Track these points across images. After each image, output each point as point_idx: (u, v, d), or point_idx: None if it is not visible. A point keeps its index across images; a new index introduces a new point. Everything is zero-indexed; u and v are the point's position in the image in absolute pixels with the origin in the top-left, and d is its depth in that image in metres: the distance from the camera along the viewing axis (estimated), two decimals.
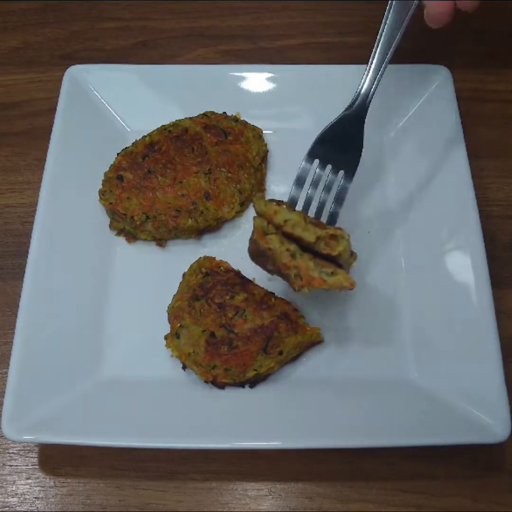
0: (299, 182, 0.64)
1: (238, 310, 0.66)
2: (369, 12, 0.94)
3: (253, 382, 0.65)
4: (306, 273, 0.56)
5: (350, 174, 0.64)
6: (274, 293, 0.68)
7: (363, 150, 0.64)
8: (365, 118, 0.64)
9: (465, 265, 0.67)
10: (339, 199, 0.64)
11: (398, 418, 0.61)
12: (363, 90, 0.65)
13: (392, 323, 0.69)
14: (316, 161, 0.64)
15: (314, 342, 0.67)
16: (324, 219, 0.64)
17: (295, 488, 0.63)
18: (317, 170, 0.65)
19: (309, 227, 0.57)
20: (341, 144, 0.64)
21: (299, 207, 0.64)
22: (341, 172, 0.64)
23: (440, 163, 0.74)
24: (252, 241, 0.60)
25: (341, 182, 0.64)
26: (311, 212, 0.65)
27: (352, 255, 0.60)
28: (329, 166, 0.64)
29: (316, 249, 0.57)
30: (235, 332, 0.65)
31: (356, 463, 0.63)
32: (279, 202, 0.59)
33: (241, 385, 0.65)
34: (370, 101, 0.64)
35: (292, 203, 0.64)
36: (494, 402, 0.59)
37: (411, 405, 0.62)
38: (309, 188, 0.64)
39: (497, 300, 0.65)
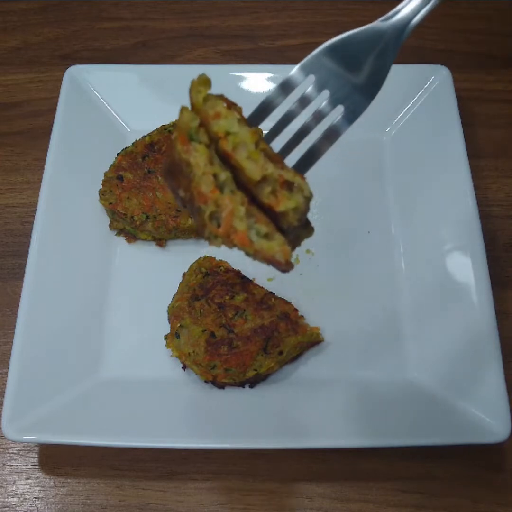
0: (278, 91, 0.45)
1: (238, 310, 0.66)
2: (368, 12, 0.94)
3: (253, 382, 0.65)
4: (228, 220, 0.39)
5: (351, 115, 0.45)
6: (274, 293, 0.68)
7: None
8: (401, 42, 0.44)
9: (465, 265, 0.66)
10: (323, 143, 0.45)
11: (398, 418, 0.61)
12: (407, 9, 0.44)
13: (392, 323, 0.69)
14: (311, 78, 0.45)
15: (314, 342, 0.67)
16: (289, 160, 0.44)
17: (295, 488, 0.62)
18: (309, 89, 0.45)
19: (258, 157, 0.40)
20: (355, 67, 0.45)
21: (262, 127, 0.44)
22: (340, 108, 0.45)
23: (440, 163, 0.74)
24: (170, 144, 0.45)
25: (335, 120, 0.45)
26: (276, 145, 0.45)
27: (308, 226, 0.43)
28: (326, 92, 0.45)
29: (256, 193, 0.41)
30: (235, 332, 0.65)
31: (356, 463, 0.63)
32: (232, 104, 0.41)
33: (241, 385, 0.65)
34: (414, 27, 0.44)
35: (254, 116, 0.45)
36: (494, 402, 0.59)
37: (411, 405, 0.62)
38: (290, 108, 0.45)
39: (497, 300, 0.65)
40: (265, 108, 0.45)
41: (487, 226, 0.72)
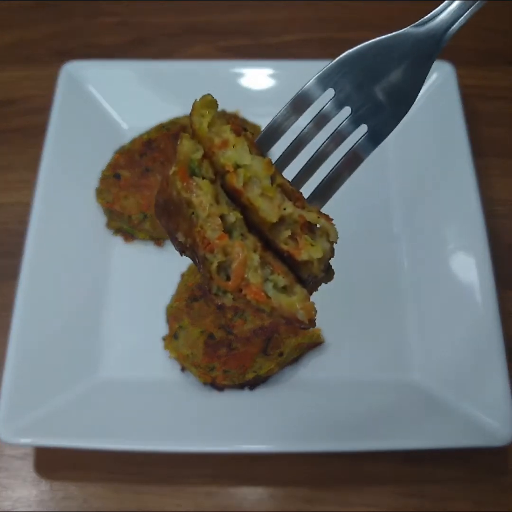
0: (291, 109, 0.38)
1: (237, 311, 0.65)
2: (369, 7, 0.93)
3: (253, 384, 0.64)
4: (239, 272, 0.33)
5: (376, 136, 0.39)
6: None
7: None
8: (440, 50, 0.39)
9: (469, 265, 0.66)
10: (347, 167, 0.39)
11: (400, 421, 0.60)
12: (446, 13, 0.37)
13: (395, 324, 0.68)
14: (330, 92, 0.38)
15: (315, 343, 0.66)
16: (306, 191, 0.39)
17: (295, 491, 0.62)
18: (328, 106, 0.39)
19: (275, 194, 0.34)
20: (382, 79, 0.38)
21: (272, 154, 0.38)
22: (364, 127, 0.39)
23: (443, 161, 0.73)
24: (165, 178, 0.35)
25: (358, 143, 0.39)
26: (288, 173, 0.38)
27: (329, 272, 0.37)
28: (347, 109, 0.39)
29: (271, 237, 0.34)
30: (234, 333, 0.64)
31: (357, 466, 0.62)
32: (240, 129, 0.35)
33: (241, 387, 0.64)
34: (455, 32, 0.38)
35: (264, 139, 0.38)
36: (497, 405, 0.58)
37: (413, 407, 0.61)
38: (304, 128, 0.39)
39: (501, 300, 0.64)
40: (276, 128, 0.38)
41: (491, 226, 0.70)
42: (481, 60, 0.88)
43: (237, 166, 0.34)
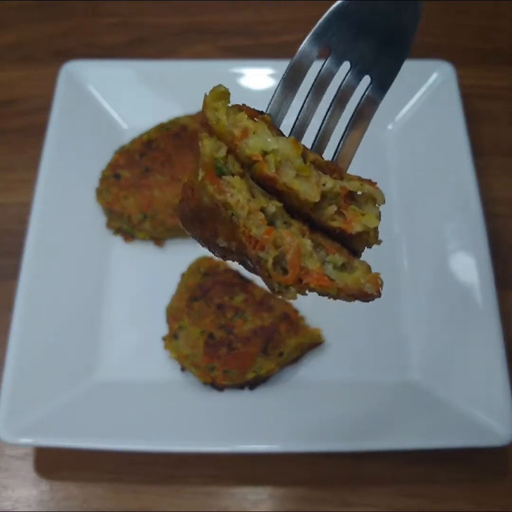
0: (293, 77, 0.36)
1: (237, 311, 0.65)
2: None
3: (253, 384, 0.64)
4: (295, 262, 0.31)
5: (383, 82, 0.38)
6: None
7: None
8: None
9: (469, 265, 0.65)
10: (361, 121, 0.37)
11: (401, 421, 0.60)
12: None
13: (395, 324, 0.68)
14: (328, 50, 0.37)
15: (315, 343, 0.66)
16: (327, 155, 0.37)
17: (295, 492, 0.62)
18: (327, 64, 0.37)
19: (310, 172, 0.32)
20: (376, 26, 0.36)
21: (285, 126, 0.36)
22: (367, 79, 0.38)
23: (443, 160, 0.73)
24: (190, 184, 0.33)
25: (367, 92, 0.38)
26: (306, 143, 0.36)
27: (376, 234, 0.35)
28: (347, 63, 0.37)
29: (316, 217, 0.33)
30: (235, 333, 0.64)
31: (358, 466, 0.62)
32: (255, 112, 0.33)
33: (241, 387, 0.64)
34: None
35: (274, 114, 0.36)
36: (498, 405, 0.58)
37: (413, 408, 0.61)
38: (309, 95, 0.37)
39: (501, 300, 0.64)
40: (282, 101, 0.36)
41: (491, 226, 0.70)
42: (481, 60, 0.87)
43: (265, 153, 0.32)
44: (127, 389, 0.64)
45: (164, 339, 0.66)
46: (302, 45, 0.37)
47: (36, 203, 0.69)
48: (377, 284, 0.33)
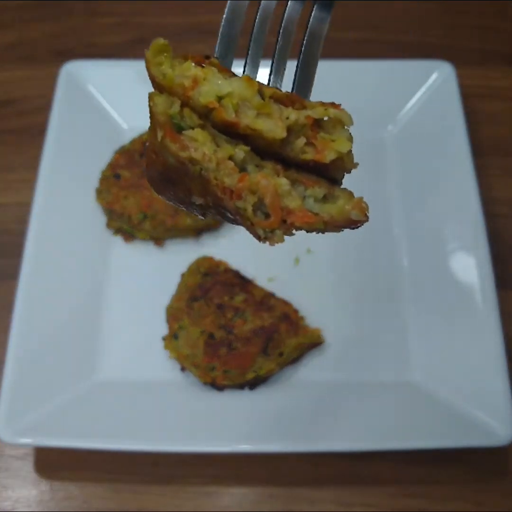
0: (233, 16, 0.36)
1: (237, 311, 0.65)
2: (369, 7, 0.92)
3: (253, 384, 0.64)
4: (275, 203, 0.30)
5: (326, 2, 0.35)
6: (274, 294, 0.67)
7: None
8: None
9: (469, 265, 0.65)
10: (314, 42, 0.36)
11: (401, 421, 0.60)
12: None
13: (395, 324, 0.68)
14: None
15: (315, 343, 0.66)
16: (285, 86, 0.35)
17: (295, 492, 0.62)
18: None
19: (271, 108, 0.31)
20: None
21: (233, 65, 0.35)
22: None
23: (443, 160, 0.73)
24: (151, 147, 0.32)
25: (313, 13, 0.36)
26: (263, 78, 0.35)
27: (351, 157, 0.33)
28: None
29: (287, 154, 0.31)
30: (235, 333, 0.64)
31: (358, 466, 0.62)
32: (202, 58, 0.32)
33: (241, 387, 0.64)
34: None
35: (222, 56, 0.35)
36: (498, 405, 0.58)
37: (413, 408, 0.61)
38: (254, 27, 0.35)
39: (501, 300, 0.64)
40: (227, 41, 0.36)
41: (491, 226, 0.70)
42: (481, 60, 0.87)
43: (220, 98, 0.30)
44: (127, 389, 0.64)
45: (164, 339, 0.66)
46: None
47: (36, 203, 0.69)
48: (363, 208, 0.31)
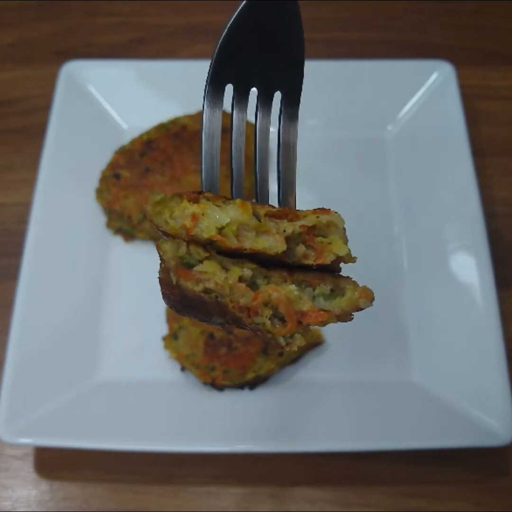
0: (211, 144, 0.38)
1: None
2: (370, 7, 0.93)
3: (253, 384, 0.64)
4: (289, 310, 0.33)
5: (293, 93, 0.37)
6: None
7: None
8: None
9: (469, 265, 0.65)
10: (288, 147, 0.38)
11: (401, 421, 0.60)
12: None
13: (395, 324, 0.68)
14: (229, 88, 0.37)
15: (315, 343, 0.66)
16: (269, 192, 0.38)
17: (295, 492, 0.62)
18: (235, 103, 0.37)
19: (268, 226, 0.33)
20: (263, 43, 0.36)
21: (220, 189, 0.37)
22: (277, 95, 0.37)
23: (443, 160, 0.73)
24: (166, 282, 0.35)
25: (282, 114, 0.38)
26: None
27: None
28: (254, 90, 0.37)
29: (290, 261, 0.34)
30: (235, 333, 0.64)
31: (358, 466, 0.62)
32: (195, 195, 0.34)
33: (241, 387, 0.64)
34: None
35: (207, 174, 0.38)
36: (498, 405, 0.58)
37: (414, 408, 0.61)
38: (232, 140, 0.38)
39: (501, 300, 0.64)
40: (211, 162, 0.38)
41: (491, 226, 0.70)
42: (481, 60, 0.87)
43: (221, 229, 0.33)
44: (127, 389, 0.64)
45: (164, 339, 0.66)
46: (204, 110, 0.36)
47: (36, 203, 0.69)
48: (370, 296, 0.34)
